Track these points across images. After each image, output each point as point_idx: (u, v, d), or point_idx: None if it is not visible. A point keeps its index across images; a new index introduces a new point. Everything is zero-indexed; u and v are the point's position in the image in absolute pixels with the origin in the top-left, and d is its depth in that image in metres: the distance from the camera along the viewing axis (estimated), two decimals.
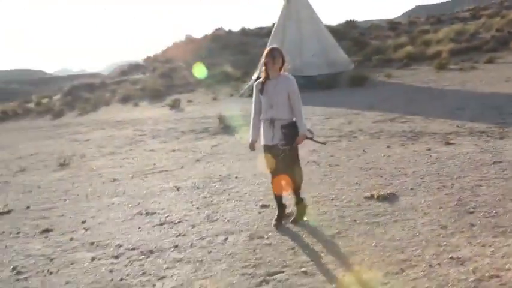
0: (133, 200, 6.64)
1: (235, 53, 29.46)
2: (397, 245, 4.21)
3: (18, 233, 5.88)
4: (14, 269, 4.72)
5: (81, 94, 27.80)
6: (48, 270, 4.59)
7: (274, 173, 4.88)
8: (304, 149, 8.30)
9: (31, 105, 27.38)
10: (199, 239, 4.94)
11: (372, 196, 5.48)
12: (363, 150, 7.71)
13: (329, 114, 11.70)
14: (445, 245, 4.10)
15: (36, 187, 8.25)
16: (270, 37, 19.61)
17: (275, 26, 19.72)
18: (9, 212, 6.84)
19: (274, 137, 4.69)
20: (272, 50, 4.72)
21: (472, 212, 4.75)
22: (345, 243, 4.42)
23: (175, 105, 18.90)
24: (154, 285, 4.04)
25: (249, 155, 7.92)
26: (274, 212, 5.18)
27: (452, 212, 4.82)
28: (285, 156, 4.71)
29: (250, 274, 4.02)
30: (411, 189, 5.65)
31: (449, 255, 3.89)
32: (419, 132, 8.68)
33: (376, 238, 4.42)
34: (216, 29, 34.58)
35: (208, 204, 6.03)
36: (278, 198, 5.04)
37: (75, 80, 34.78)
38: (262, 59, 4.78)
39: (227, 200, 6.16)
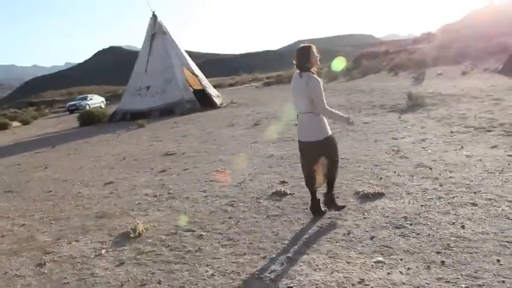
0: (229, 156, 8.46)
1: None
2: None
3: (152, 168, 8.63)
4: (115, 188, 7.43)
5: (363, 62, 29.84)
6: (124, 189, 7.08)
7: None
8: None
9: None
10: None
11: None
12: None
13: None
14: None
15: (213, 139, 10.97)
16: None
17: None
18: (172, 154, 9.72)
19: None
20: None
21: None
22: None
23: (419, 78, 18.81)
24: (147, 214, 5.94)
25: (374, 137, 8.52)
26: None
27: None
28: None
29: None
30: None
31: None
32: None
33: None
34: None
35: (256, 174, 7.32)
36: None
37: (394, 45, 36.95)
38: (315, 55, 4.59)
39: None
